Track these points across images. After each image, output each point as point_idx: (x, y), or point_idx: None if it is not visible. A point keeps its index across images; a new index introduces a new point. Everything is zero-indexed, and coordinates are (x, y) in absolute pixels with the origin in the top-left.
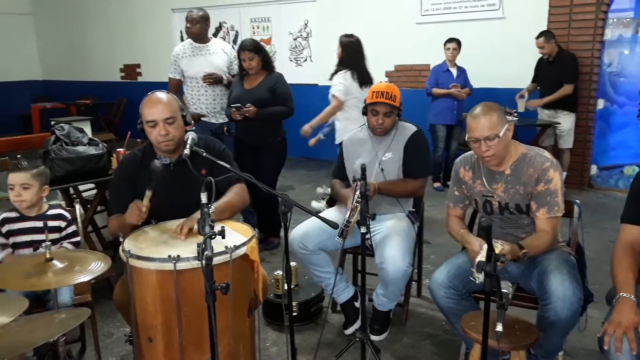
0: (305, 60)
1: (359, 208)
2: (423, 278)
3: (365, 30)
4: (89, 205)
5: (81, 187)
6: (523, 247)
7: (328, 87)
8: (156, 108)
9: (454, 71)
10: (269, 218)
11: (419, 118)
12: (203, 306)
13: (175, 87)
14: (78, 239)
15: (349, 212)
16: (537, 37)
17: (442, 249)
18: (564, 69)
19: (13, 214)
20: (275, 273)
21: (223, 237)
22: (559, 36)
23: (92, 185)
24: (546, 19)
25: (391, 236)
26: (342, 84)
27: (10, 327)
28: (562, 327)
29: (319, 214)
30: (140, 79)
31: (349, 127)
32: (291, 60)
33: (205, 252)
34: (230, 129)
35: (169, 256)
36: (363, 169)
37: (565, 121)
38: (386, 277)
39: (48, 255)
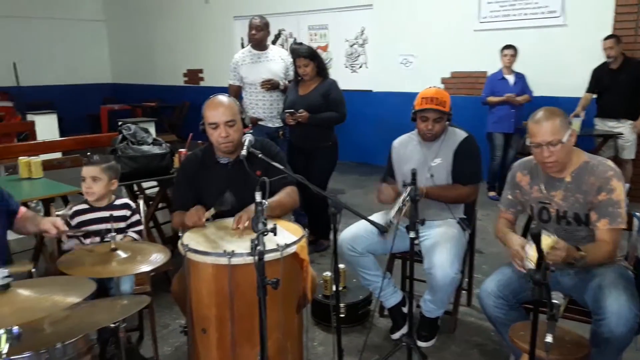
0: (361, 66)
1: (403, 210)
2: (473, 287)
3: (421, 36)
4: (151, 202)
5: (144, 185)
6: (581, 249)
7: (382, 94)
8: (218, 111)
9: (510, 78)
10: (319, 220)
11: (475, 126)
12: (254, 301)
13: (235, 93)
14: (141, 227)
15: (393, 212)
16: (606, 39)
17: (494, 260)
18: (635, 78)
19: (83, 206)
20: (324, 274)
21: (275, 234)
22: (624, 44)
23: (155, 183)
24: (611, 26)
25: (441, 242)
26: None
27: (76, 309)
28: (617, 344)
29: (368, 217)
30: (202, 83)
31: None
32: (347, 67)
33: (258, 247)
34: (285, 133)
35: (224, 251)
36: (413, 174)
37: (630, 131)
38: (434, 283)
39: (113, 246)
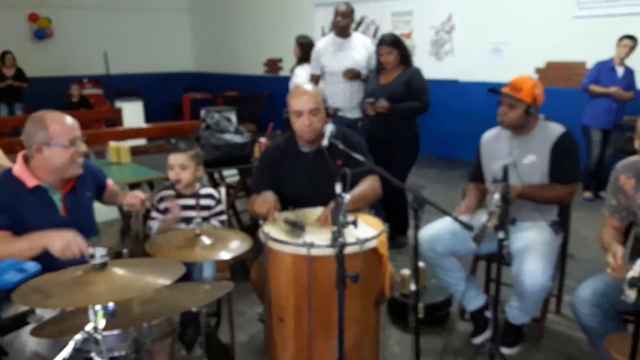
0: (447, 54)
1: (497, 212)
2: (564, 294)
3: (514, 23)
4: (231, 190)
5: (225, 173)
6: None
7: (469, 84)
8: (302, 99)
9: (619, 70)
10: (397, 216)
11: (571, 120)
12: (332, 294)
13: (315, 82)
14: (224, 217)
15: (487, 216)
16: None
17: (588, 265)
18: None
19: (170, 192)
20: (402, 272)
21: (355, 227)
22: None
23: (235, 171)
24: None
25: (532, 247)
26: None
27: (162, 291)
28: None
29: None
30: (281, 73)
31: None
32: (431, 55)
33: (339, 239)
34: (364, 124)
35: (304, 242)
36: (505, 170)
37: None
38: (523, 290)
39: (198, 231)
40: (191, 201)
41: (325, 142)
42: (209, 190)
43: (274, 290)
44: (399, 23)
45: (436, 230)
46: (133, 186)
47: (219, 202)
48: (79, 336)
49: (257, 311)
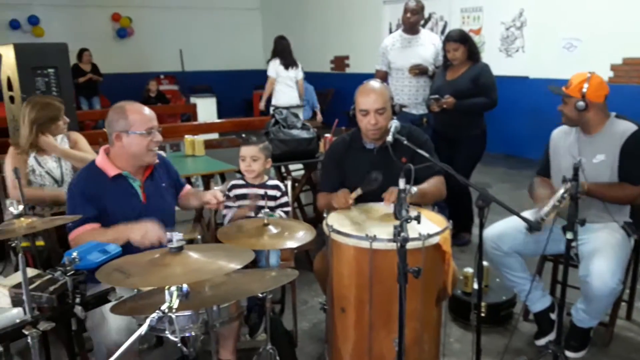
0: (517, 51)
1: (559, 207)
2: (636, 300)
3: (588, 18)
4: (296, 184)
5: (291, 167)
6: None
7: (540, 80)
8: (369, 98)
9: None
10: (461, 213)
11: None
12: (393, 287)
13: (381, 78)
14: (289, 208)
15: (547, 208)
16: None
17: None
18: None
19: (240, 182)
20: (465, 270)
21: (418, 222)
22: None
23: (301, 166)
24: None
25: (601, 248)
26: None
27: (232, 276)
28: None
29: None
30: (348, 70)
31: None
32: (501, 51)
33: (402, 234)
34: (429, 121)
35: (366, 235)
36: (576, 168)
37: None
38: (590, 293)
39: (266, 221)
40: (259, 191)
41: (389, 138)
42: (276, 182)
43: (336, 280)
44: (468, 19)
45: (502, 229)
46: (206, 177)
47: (284, 193)
48: (154, 315)
49: (319, 300)
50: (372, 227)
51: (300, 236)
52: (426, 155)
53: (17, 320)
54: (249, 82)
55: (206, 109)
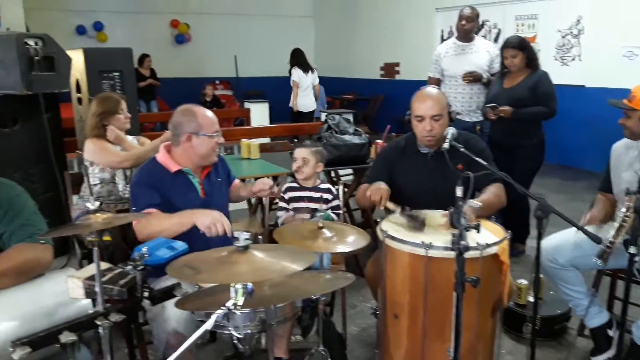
0: (573, 59)
1: (627, 226)
2: None
3: None
4: (346, 189)
5: (340, 172)
6: None
7: (597, 90)
8: (426, 104)
9: None
10: (517, 223)
11: None
12: (448, 296)
13: (434, 85)
14: (340, 211)
15: (614, 230)
16: None
17: None
18: None
19: (294, 184)
20: (519, 281)
21: (478, 232)
22: None
23: (350, 171)
24: None
25: None
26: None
27: (289, 277)
28: None
29: (581, 226)
30: (397, 77)
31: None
32: (556, 59)
33: (462, 243)
34: (483, 128)
35: (422, 242)
36: None
37: None
38: None
39: (320, 224)
40: (312, 194)
41: (446, 145)
42: (328, 185)
43: (389, 286)
44: (522, 27)
45: (559, 241)
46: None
47: (336, 197)
48: (220, 311)
49: (368, 305)
50: (427, 235)
51: (354, 241)
52: (484, 163)
53: (90, 311)
54: None
55: (259, 114)
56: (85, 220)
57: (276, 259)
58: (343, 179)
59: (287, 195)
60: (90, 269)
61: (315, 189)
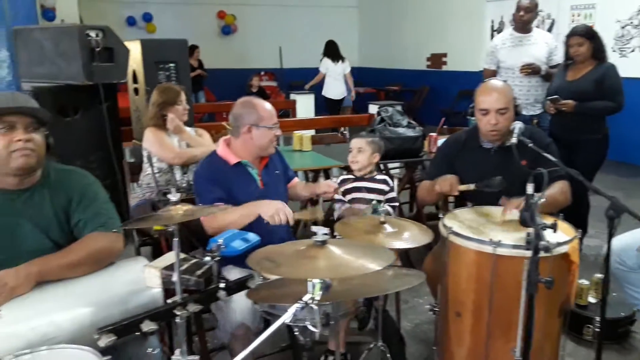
0: (633, 50)
1: None
2: None
3: None
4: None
5: (389, 165)
6: None
7: None
8: (491, 97)
9: None
10: (575, 221)
11: None
12: (515, 295)
13: (490, 78)
14: (397, 204)
15: None
16: None
17: None
18: None
19: (350, 176)
20: (580, 282)
21: (555, 231)
22: None
23: (398, 164)
24: None
25: None
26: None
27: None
28: None
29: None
30: (444, 68)
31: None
32: (614, 51)
33: (542, 242)
34: (541, 122)
35: (490, 239)
36: None
37: None
38: None
39: (382, 219)
40: (368, 184)
41: (514, 140)
42: (384, 176)
43: (452, 284)
44: (578, 17)
45: (627, 242)
46: (313, 172)
47: (392, 189)
48: (298, 305)
49: (419, 300)
50: (493, 232)
51: (416, 237)
52: (553, 159)
53: (169, 301)
54: None
55: (304, 105)
56: (166, 212)
57: (354, 257)
58: (392, 171)
59: (342, 188)
60: (166, 259)
61: (371, 179)
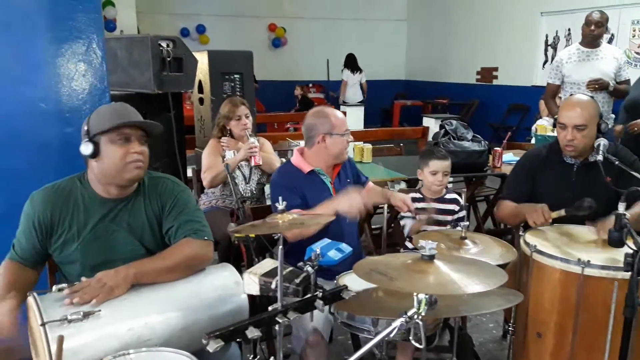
0: None
1: None
2: None
3: None
4: None
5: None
6: None
7: None
8: (572, 112)
9: None
10: None
11: None
12: (602, 317)
13: (553, 93)
14: (467, 223)
15: None
16: None
17: None
18: None
19: (418, 195)
20: None
21: None
22: None
23: (460, 178)
24: None
25: None
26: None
27: None
28: None
29: None
30: (495, 82)
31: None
32: None
33: (636, 263)
34: (608, 138)
35: (578, 259)
36: None
37: None
38: None
39: (463, 234)
40: (437, 205)
41: (599, 157)
42: (454, 195)
43: (533, 303)
44: (639, 32)
45: None
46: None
47: (462, 208)
48: (402, 319)
49: (482, 319)
50: (579, 252)
51: (499, 254)
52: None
53: (270, 309)
54: (389, 92)
55: (354, 117)
56: (273, 220)
57: (463, 274)
58: (450, 186)
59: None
60: (263, 266)
61: (441, 199)
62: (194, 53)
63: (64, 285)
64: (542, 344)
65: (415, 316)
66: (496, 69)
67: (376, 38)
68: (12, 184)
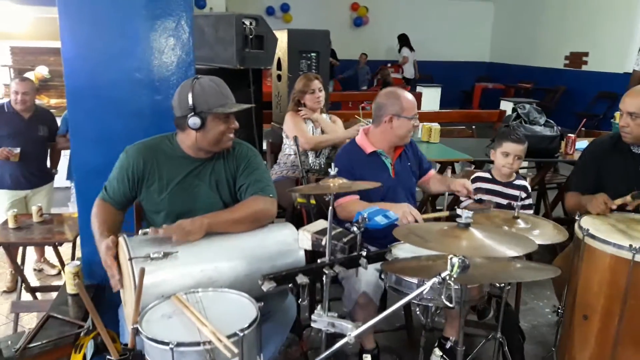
0: None
1: None
2: None
3: None
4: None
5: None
6: None
7: None
8: (629, 98)
9: None
10: None
11: None
12: None
13: (639, 81)
14: (531, 211)
15: None
16: None
17: None
18: None
19: (486, 175)
20: None
21: None
22: None
23: (526, 164)
24: None
25: None
26: None
27: (490, 261)
28: None
29: None
30: (584, 67)
31: None
32: None
33: None
34: None
35: (630, 245)
36: None
37: None
38: None
39: (516, 214)
40: (504, 189)
41: None
42: (524, 182)
43: (582, 286)
44: None
45: None
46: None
47: (529, 195)
48: (435, 279)
49: (539, 303)
50: (633, 238)
51: (549, 234)
52: None
53: (319, 261)
54: (471, 74)
55: (430, 98)
56: (325, 183)
57: (495, 241)
58: (520, 171)
59: (474, 185)
60: (316, 225)
61: (509, 184)
62: (276, 31)
63: (147, 230)
64: (587, 327)
65: (448, 277)
66: (586, 54)
67: (462, 19)
68: (110, 145)
